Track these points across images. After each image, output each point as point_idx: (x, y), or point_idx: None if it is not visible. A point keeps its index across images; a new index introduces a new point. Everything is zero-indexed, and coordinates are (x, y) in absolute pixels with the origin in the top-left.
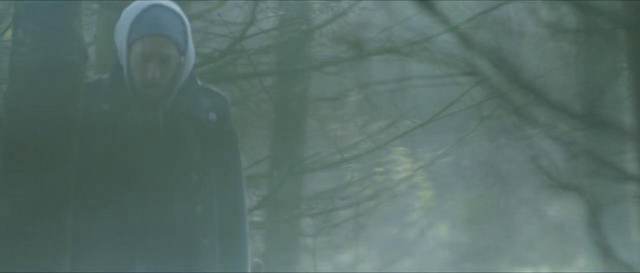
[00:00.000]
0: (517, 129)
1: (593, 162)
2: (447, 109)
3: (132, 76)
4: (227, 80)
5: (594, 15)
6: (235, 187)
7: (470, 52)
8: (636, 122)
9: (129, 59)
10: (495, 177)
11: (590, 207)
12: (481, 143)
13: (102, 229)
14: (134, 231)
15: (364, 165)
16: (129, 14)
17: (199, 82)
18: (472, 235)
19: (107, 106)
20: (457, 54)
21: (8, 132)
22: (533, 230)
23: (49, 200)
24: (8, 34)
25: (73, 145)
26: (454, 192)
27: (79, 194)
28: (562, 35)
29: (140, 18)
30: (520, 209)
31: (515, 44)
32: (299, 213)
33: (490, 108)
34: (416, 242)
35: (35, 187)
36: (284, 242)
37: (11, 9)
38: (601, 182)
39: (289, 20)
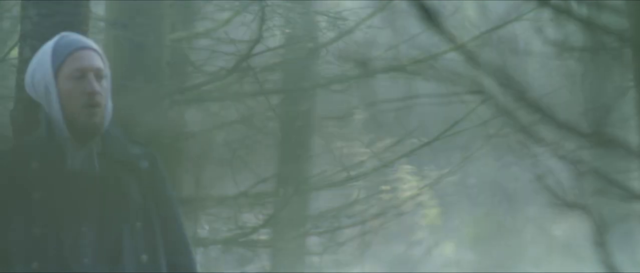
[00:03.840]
0: (523, 148)
1: (599, 180)
2: (453, 128)
3: (67, 106)
4: (233, 98)
5: (600, 34)
6: (178, 236)
7: (476, 71)
8: None
9: (60, 88)
10: (501, 196)
11: (597, 225)
12: (487, 162)
13: None
14: None
15: (370, 184)
16: (43, 52)
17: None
18: (478, 253)
19: (36, 164)
20: (464, 72)
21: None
22: (539, 248)
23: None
24: (15, 52)
25: None
26: (460, 210)
27: (21, 256)
28: (568, 54)
29: (59, 44)
30: (527, 228)
31: (521, 63)
32: (305, 232)
33: (496, 126)
34: (422, 261)
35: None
36: (291, 260)
37: (18, 28)
38: (607, 200)
39: (296, 38)
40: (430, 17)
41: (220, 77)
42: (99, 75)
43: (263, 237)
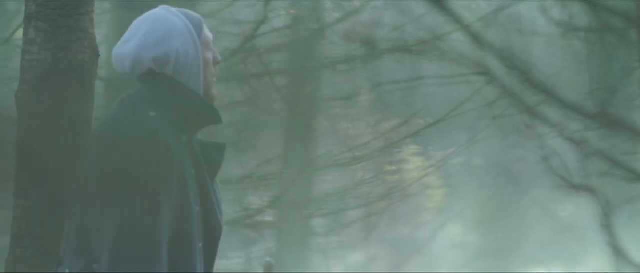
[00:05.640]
0: (528, 128)
1: (605, 162)
2: (459, 108)
3: (205, 76)
4: (238, 79)
5: (606, 14)
6: None
7: (481, 51)
8: None
9: (203, 65)
10: (506, 177)
11: (602, 207)
12: (493, 143)
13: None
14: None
15: (376, 164)
16: (172, 24)
17: None
18: (484, 235)
19: (184, 137)
20: (469, 53)
21: (20, 131)
22: (545, 230)
23: (61, 201)
24: (19, 33)
25: (84, 145)
26: (465, 192)
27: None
28: (573, 34)
29: (188, 15)
30: (532, 209)
31: (526, 43)
32: (309, 213)
33: (501, 107)
34: (428, 242)
35: (46, 187)
36: (295, 241)
37: (22, 8)
38: (613, 182)
39: (301, 19)
40: None
41: (225, 57)
42: None
43: (268, 219)
